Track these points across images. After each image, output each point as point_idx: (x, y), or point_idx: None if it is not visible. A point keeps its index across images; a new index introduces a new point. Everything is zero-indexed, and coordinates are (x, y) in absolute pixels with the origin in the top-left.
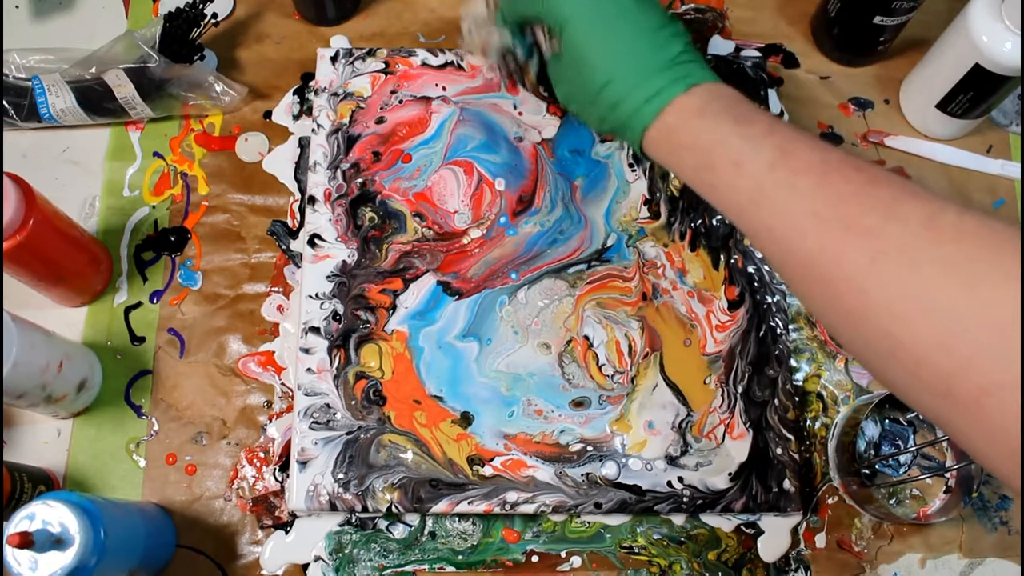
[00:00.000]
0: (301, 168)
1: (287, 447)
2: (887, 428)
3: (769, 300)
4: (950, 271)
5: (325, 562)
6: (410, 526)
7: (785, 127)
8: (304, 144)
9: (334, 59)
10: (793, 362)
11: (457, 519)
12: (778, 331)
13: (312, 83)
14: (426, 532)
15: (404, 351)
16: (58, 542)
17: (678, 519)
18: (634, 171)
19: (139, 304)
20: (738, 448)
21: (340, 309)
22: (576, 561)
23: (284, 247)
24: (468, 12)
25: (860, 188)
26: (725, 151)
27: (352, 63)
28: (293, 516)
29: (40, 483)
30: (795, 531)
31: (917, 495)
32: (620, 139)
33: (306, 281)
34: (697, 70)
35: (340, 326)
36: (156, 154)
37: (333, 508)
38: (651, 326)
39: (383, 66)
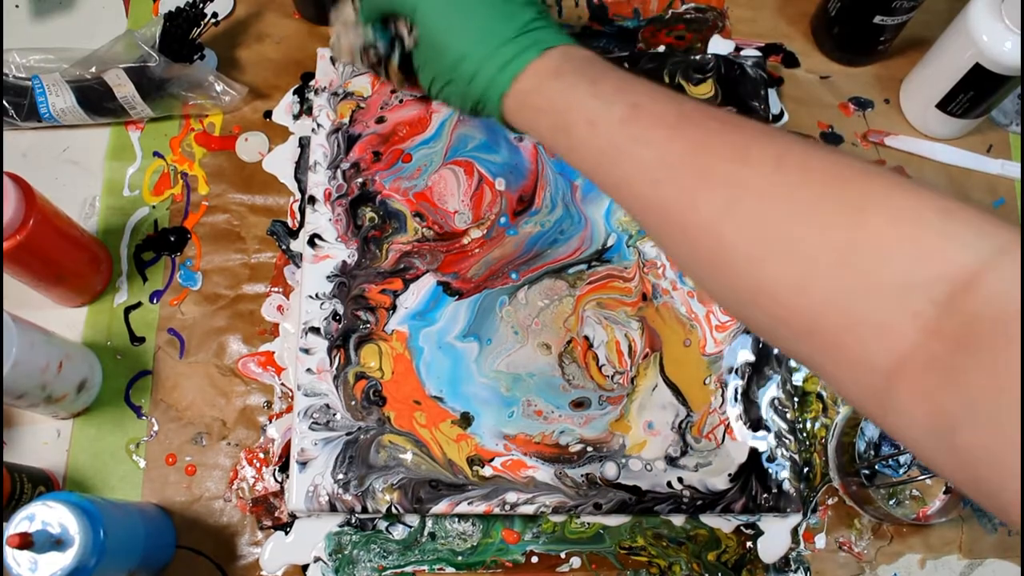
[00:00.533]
0: (301, 168)
1: (287, 448)
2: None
3: None
4: (799, 211)
5: (325, 563)
6: (410, 527)
7: (640, 83)
8: (304, 144)
9: (334, 59)
10: (793, 362)
11: (457, 520)
12: None
13: (312, 83)
14: (426, 533)
15: (404, 351)
16: (58, 543)
17: (678, 520)
18: None
19: (139, 304)
20: (738, 449)
21: (340, 309)
22: (576, 562)
23: (284, 247)
24: (337, 17)
25: (712, 136)
26: (579, 111)
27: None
28: (293, 517)
29: (40, 484)
30: (795, 531)
31: (917, 496)
32: (484, 115)
33: (306, 281)
34: (549, 34)
35: (340, 326)
36: (156, 154)
37: (333, 509)
38: (651, 326)
39: None
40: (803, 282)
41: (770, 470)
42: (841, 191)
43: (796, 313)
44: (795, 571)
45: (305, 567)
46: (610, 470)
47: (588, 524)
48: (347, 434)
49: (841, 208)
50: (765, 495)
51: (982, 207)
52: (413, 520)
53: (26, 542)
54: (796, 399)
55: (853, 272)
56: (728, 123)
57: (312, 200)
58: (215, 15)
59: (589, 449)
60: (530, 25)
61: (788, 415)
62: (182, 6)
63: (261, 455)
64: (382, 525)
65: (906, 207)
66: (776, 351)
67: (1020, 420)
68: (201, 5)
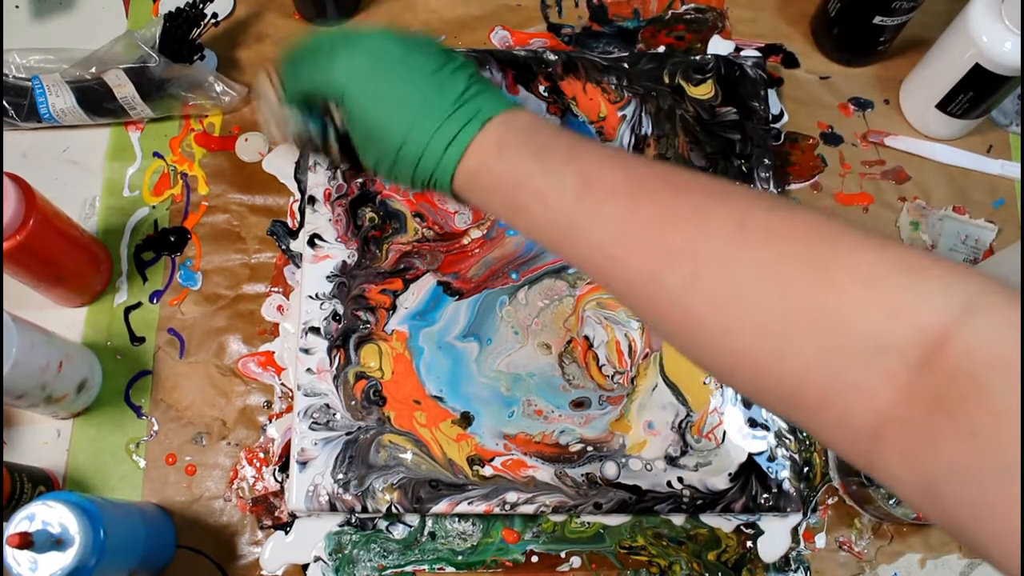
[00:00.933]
0: (301, 168)
1: (287, 447)
2: None
3: None
4: (766, 276)
5: (325, 562)
6: (410, 526)
7: (587, 149)
8: None
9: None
10: None
11: (457, 519)
12: None
13: None
14: (426, 532)
15: (404, 351)
16: (58, 543)
17: (678, 519)
18: None
19: (139, 304)
20: (738, 449)
21: (340, 309)
22: (576, 561)
23: (284, 247)
24: (261, 98)
25: (668, 205)
26: (529, 187)
27: None
28: (293, 516)
29: (40, 483)
30: (795, 531)
31: None
32: (435, 191)
33: (306, 281)
34: (488, 101)
35: (340, 326)
36: (156, 154)
37: (333, 508)
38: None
39: None
40: (778, 350)
41: (770, 470)
42: (806, 252)
43: (776, 380)
44: (795, 571)
45: (305, 567)
46: (610, 470)
47: (588, 524)
48: (347, 434)
49: (807, 270)
50: (765, 495)
51: (947, 261)
52: (413, 520)
53: (26, 542)
54: None
55: (826, 336)
56: (684, 187)
57: (312, 200)
58: (215, 15)
59: (589, 449)
60: (465, 95)
61: None
62: (182, 6)
63: (261, 455)
64: (382, 525)
65: (873, 267)
66: None
67: (1003, 482)
68: (201, 5)
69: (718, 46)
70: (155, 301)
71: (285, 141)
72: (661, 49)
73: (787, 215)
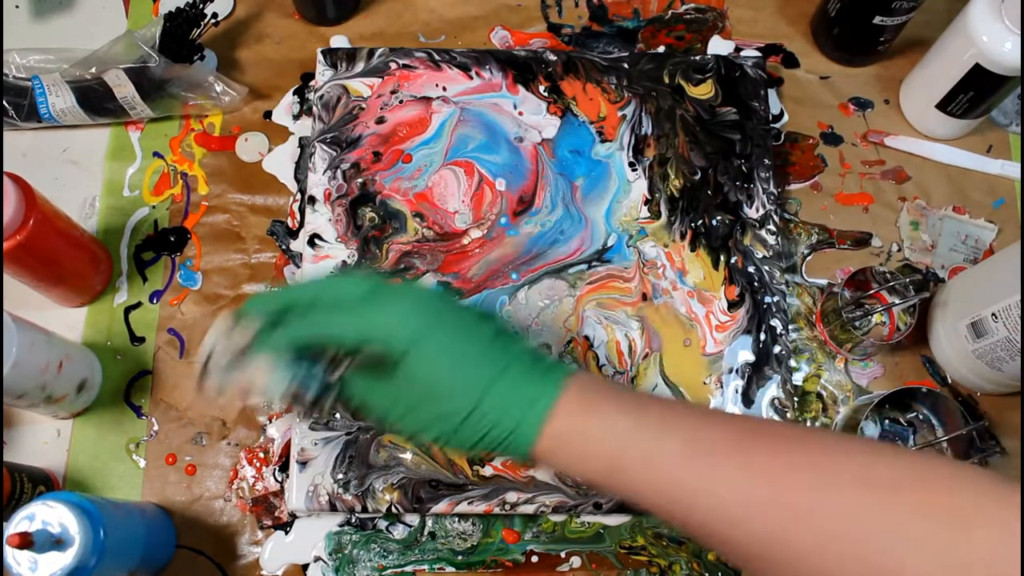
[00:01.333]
0: (301, 168)
1: (287, 447)
2: (887, 428)
3: (769, 300)
4: (901, 534)
5: (325, 562)
6: (410, 526)
7: (679, 406)
8: (304, 144)
9: (335, 63)
10: (793, 362)
11: (457, 519)
12: (778, 331)
13: (312, 83)
14: (426, 532)
15: None
16: (58, 542)
17: None
18: (635, 171)
19: (139, 304)
20: None
21: None
22: (576, 561)
23: (284, 247)
24: (213, 346)
25: (788, 456)
26: (631, 450)
27: (353, 63)
28: (293, 516)
29: (40, 483)
30: None
31: None
32: (500, 455)
33: None
34: (554, 363)
35: None
36: (156, 154)
37: (333, 508)
38: (651, 326)
39: (383, 66)
40: None
41: None
42: (942, 504)
43: None
44: None
45: (305, 566)
46: None
47: (588, 524)
48: (347, 434)
49: (946, 526)
50: None
51: None
52: (413, 520)
53: (26, 542)
54: (796, 399)
55: None
56: (800, 441)
57: (312, 200)
58: (215, 15)
59: None
60: (530, 356)
61: (788, 415)
62: (182, 6)
63: (261, 455)
64: (382, 525)
65: (1005, 515)
66: (776, 350)
67: None
68: (201, 5)
69: (718, 46)
70: (155, 301)
71: (245, 398)
72: (661, 49)
73: (909, 462)
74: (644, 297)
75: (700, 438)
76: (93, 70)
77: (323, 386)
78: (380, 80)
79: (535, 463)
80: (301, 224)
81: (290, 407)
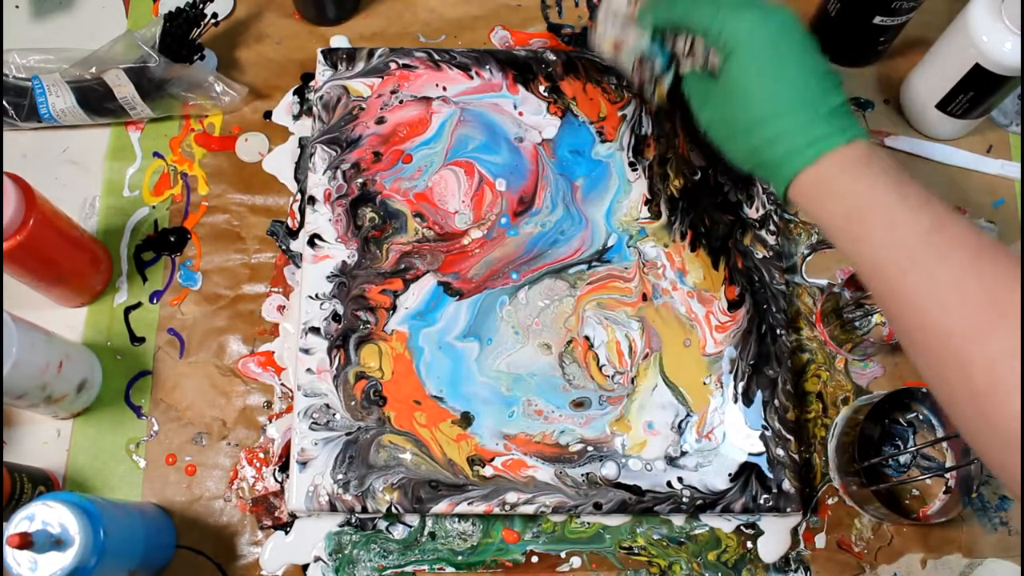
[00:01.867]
0: (301, 168)
1: (287, 447)
2: (887, 428)
3: (769, 300)
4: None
5: (325, 563)
6: (410, 527)
7: (940, 201)
8: (304, 144)
9: (335, 63)
10: (793, 362)
11: (457, 520)
12: (778, 331)
13: (312, 83)
14: (426, 533)
15: (404, 351)
16: (58, 543)
17: (678, 519)
18: (635, 171)
19: (139, 304)
20: (737, 449)
21: (340, 309)
22: (576, 562)
23: (284, 247)
24: (608, 5)
25: (1011, 272)
26: (881, 208)
27: (352, 63)
28: (293, 516)
29: (40, 483)
30: (795, 531)
31: (917, 495)
32: (759, 174)
33: (306, 281)
34: (856, 125)
35: (340, 326)
36: (156, 154)
37: (333, 508)
38: (651, 326)
39: (383, 66)
40: None
41: (770, 470)
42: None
43: None
44: (795, 571)
45: (305, 567)
46: (610, 470)
47: (588, 524)
48: (347, 434)
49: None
50: (765, 495)
51: None
52: (413, 520)
53: (26, 542)
54: (796, 399)
55: None
56: (1011, 274)
57: (312, 200)
58: (215, 15)
59: (589, 449)
60: (841, 108)
61: (788, 415)
62: (182, 6)
63: (261, 455)
64: (382, 525)
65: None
66: (776, 350)
67: None
68: (201, 5)
69: None
70: (155, 301)
71: (614, 55)
72: None
73: None
74: (644, 297)
75: (947, 224)
76: (93, 70)
77: (667, 64)
78: (380, 80)
79: (786, 192)
80: (301, 224)
81: (638, 78)
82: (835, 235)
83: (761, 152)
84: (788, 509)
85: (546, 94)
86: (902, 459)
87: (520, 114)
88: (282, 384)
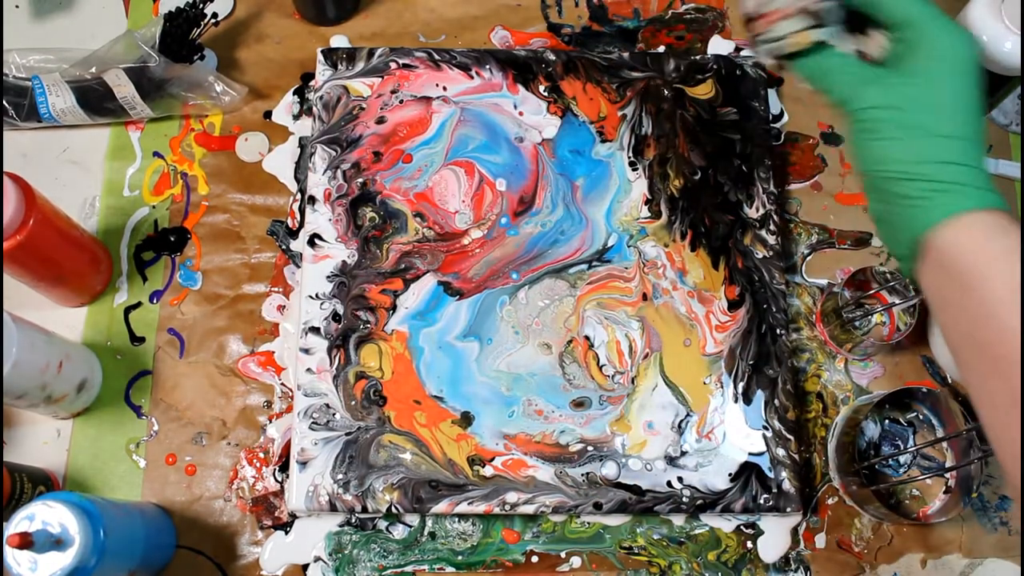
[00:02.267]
0: (301, 168)
1: (287, 447)
2: (887, 428)
3: (769, 300)
4: None
5: (325, 562)
6: (410, 526)
7: None
8: (304, 144)
9: (335, 63)
10: (793, 362)
11: (457, 519)
12: (778, 331)
13: (312, 83)
14: (426, 532)
15: (404, 351)
16: (58, 543)
17: (678, 519)
18: (635, 171)
19: (139, 304)
20: (737, 449)
21: (340, 309)
22: (576, 561)
23: (284, 247)
24: None
25: None
26: (1007, 288)
27: (352, 63)
28: (293, 516)
29: (40, 483)
30: (795, 531)
31: (917, 495)
32: (892, 204)
33: (306, 281)
34: (987, 180)
35: (340, 326)
36: (156, 154)
37: (333, 508)
38: (651, 326)
39: (383, 66)
40: None
41: (770, 470)
42: None
43: None
44: (795, 571)
45: (305, 567)
46: (610, 470)
47: (588, 524)
48: (347, 434)
49: None
50: (765, 495)
51: None
52: (413, 520)
53: (26, 542)
54: (796, 399)
55: None
56: None
57: (312, 200)
58: (215, 15)
59: (589, 449)
60: (980, 156)
61: (788, 415)
62: (182, 6)
63: (261, 455)
64: (382, 525)
65: None
66: (776, 349)
67: None
68: (201, 5)
69: (718, 46)
70: (155, 301)
71: (767, 23)
72: (661, 49)
73: None
74: (644, 297)
75: None
76: (93, 70)
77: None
78: (380, 80)
79: (911, 241)
80: (301, 224)
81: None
82: (942, 304)
83: (926, 168)
84: (788, 509)
85: (546, 94)
86: (902, 459)
87: (520, 114)
88: (282, 384)
